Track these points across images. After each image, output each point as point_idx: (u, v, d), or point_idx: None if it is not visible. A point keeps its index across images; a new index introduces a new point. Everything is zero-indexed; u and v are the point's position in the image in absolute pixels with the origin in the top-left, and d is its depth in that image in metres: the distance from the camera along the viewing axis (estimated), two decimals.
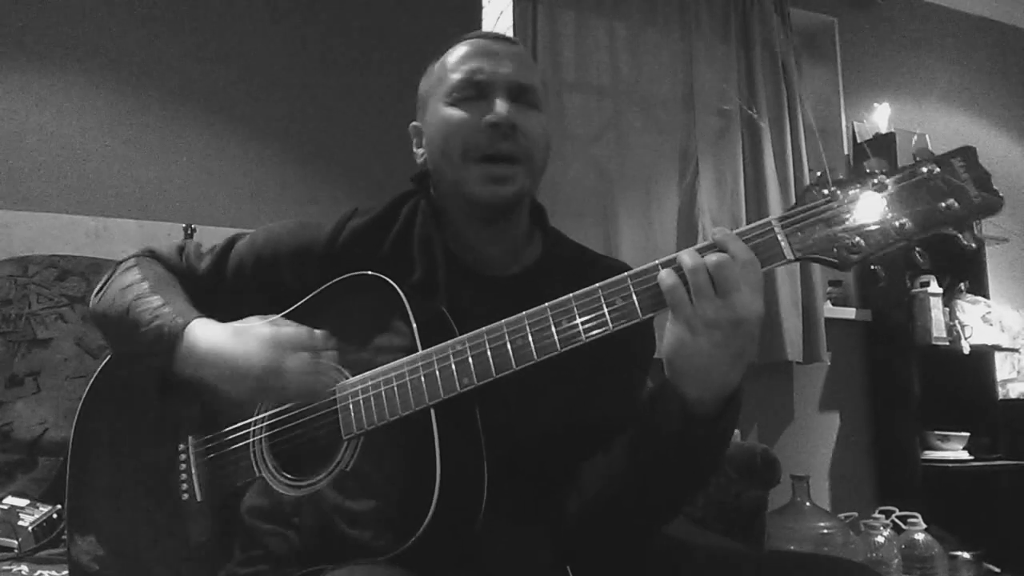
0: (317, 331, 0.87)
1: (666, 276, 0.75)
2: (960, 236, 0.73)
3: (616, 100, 2.84)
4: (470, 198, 0.95)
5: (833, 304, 3.11)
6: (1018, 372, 3.38)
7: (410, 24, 2.63)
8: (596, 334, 0.78)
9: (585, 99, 2.84)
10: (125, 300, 0.96)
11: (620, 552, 0.92)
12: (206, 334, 0.89)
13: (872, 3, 3.49)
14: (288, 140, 2.46)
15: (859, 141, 3.27)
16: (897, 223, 0.73)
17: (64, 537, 1.03)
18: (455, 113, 0.96)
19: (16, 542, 1.40)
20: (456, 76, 0.97)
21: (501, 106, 0.94)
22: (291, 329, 0.87)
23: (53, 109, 2.22)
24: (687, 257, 0.74)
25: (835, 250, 0.75)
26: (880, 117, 3.29)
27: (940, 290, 2.99)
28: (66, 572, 1.02)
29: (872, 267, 0.76)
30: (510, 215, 0.99)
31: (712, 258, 0.73)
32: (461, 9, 2.75)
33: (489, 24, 2.87)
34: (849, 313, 3.12)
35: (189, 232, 2.14)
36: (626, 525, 0.90)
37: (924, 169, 0.74)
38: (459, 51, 1.00)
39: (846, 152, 3.30)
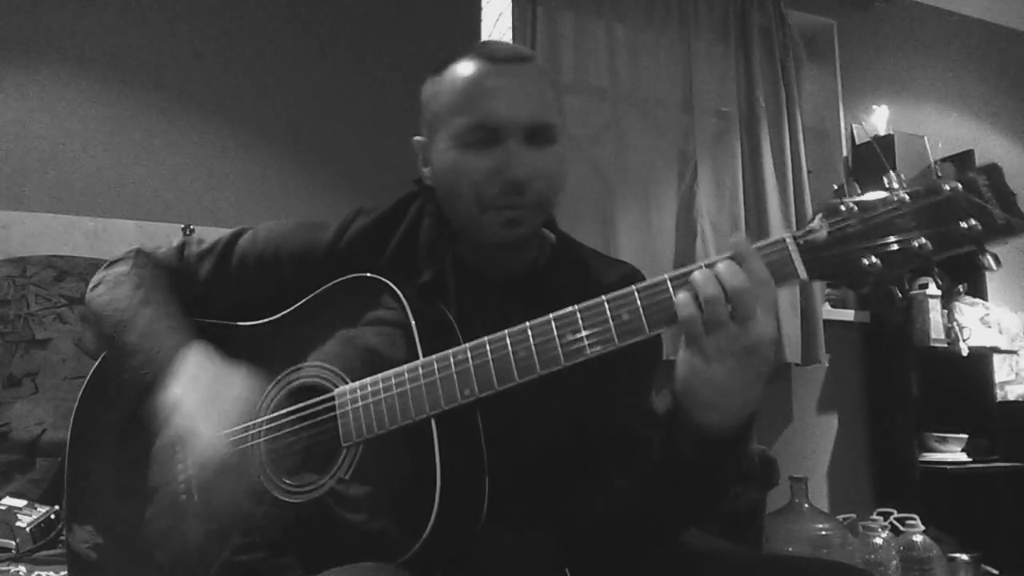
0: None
1: (684, 305, 0.71)
2: (981, 258, 0.70)
3: (615, 102, 2.84)
4: (484, 240, 0.93)
5: (832, 306, 3.11)
6: (1016, 374, 3.38)
7: (410, 25, 2.64)
8: (600, 349, 0.76)
9: (584, 101, 2.84)
10: (116, 311, 0.96)
11: (627, 561, 0.91)
12: (189, 370, 0.89)
13: (871, 5, 3.49)
14: (288, 141, 2.46)
15: (858, 143, 3.28)
16: (916, 243, 0.70)
17: (63, 538, 1.03)
18: (466, 160, 0.90)
19: (14, 543, 1.40)
20: (464, 117, 0.90)
21: (517, 160, 0.88)
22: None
23: (52, 109, 2.22)
24: (707, 287, 0.71)
25: (850, 271, 0.71)
26: (879, 119, 3.29)
27: (939, 292, 2.98)
28: (64, 573, 1.02)
29: (889, 288, 0.72)
30: (524, 246, 0.98)
31: (733, 284, 0.70)
32: (461, 11, 2.75)
33: (488, 26, 2.88)
34: (847, 315, 3.12)
35: (188, 233, 2.14)
36: (639, 541, 0.90)
37: (946, 187, 0.70)
38: (466, 76, 0.92)
39: (844, 154, 3.30)
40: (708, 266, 0.73)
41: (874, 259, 0.71)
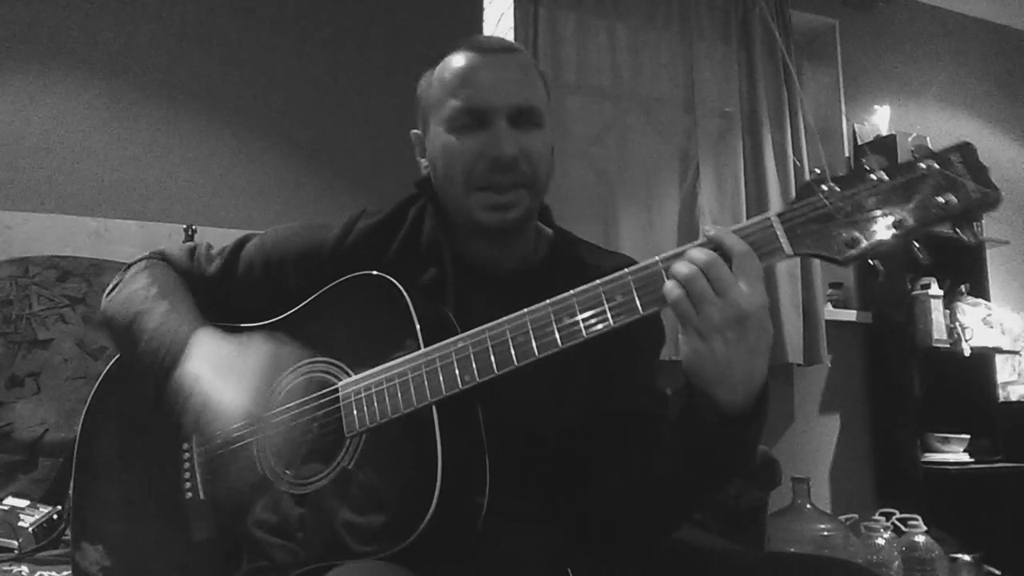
0: None
1: (671, 288, 0.75)
2: (959, 231, 0.73)
3: (617, 102, 2.85)
4: (475, 224, 0.96)
5: (834, 306, 3.11)
6: (1019, 374, 3.38)
7: (412, 25, 2.64)
8: (597, 331, 0.78)
9: (586, 100, 2.84)
10: (133, 305, 0.98)
11: (633, 550, 0.92)
12: (207, 347, 0.90)
13: (873, 5, 3.49)
14: (290, 141, 2.47)
15: (860, 143, 3.28)
16: (896, 218, 0.73)
17: (65, 537, 1.03)
18: (455, 142, 0.94)
19: (16, 543, 1.40)
20: (454, 102, 0.94)
21: (503, 138, 0.92)
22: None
23: (54, 110, 2.23)
24: (683, 267, 0.74)
25: (834, 246, 0.75)
26: (880, 119, 3.29)
27: (941, 292, 2.99)
28: (67, 573, 1.02)
29: (871, 262, 0.76)
30: (517, 233, 0.99)
31: (702, 258, 0.74)
32: (462, 11, 2.75)
33: (490, 27, 2.88)
34: (850, 315, 3.12)
35: (190, 233, 2.15)
36: (646, 526, 0.91)
37: (922, 165, 0.74)
38: (456, 67, 0.96)
39: (847, 154, 3.30)
40: (698, 246, 0.77)
41: (856, 234, 0.74)
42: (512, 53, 0.98)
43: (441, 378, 0.82)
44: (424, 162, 1.03)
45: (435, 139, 0.97)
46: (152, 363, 0.92)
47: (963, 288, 3.11)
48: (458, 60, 0.97)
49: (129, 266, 1.07)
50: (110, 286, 1.05)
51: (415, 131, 1.05)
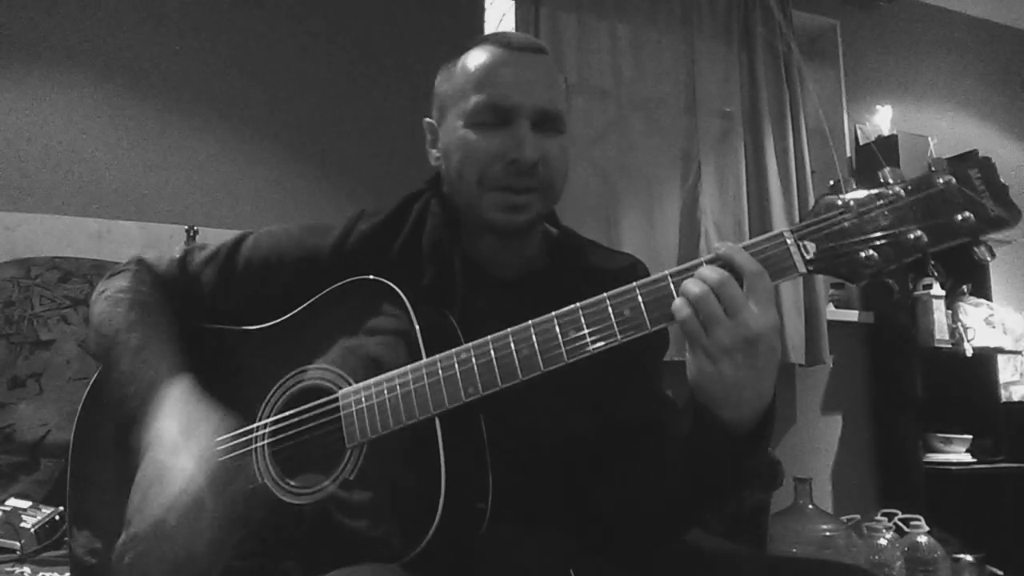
0: None
1: (680, 307, 0.73)
2: (976, 249, 0.71)
3: (618, 102, 2.84)
4: (484, 222, 0.94)
5: (836, 306, 3.10)
6: (1021, 375, 3.37)
7: (413, 26, 2.64)
8: (603, 346, 0.77)
9: (587, 101, 2.84)
10: (109, 334, 0.96)
11: (637, 555, 0.91)
12: (171, 406, 0.87)
13: (875, 5, 3.49)
14: (291, 142, 2.46)
15: (861, 143, 3.27)
16: (912, 235, 0.71)
17: (67, 538, 1.03)
18: (474, 139, 0.92)
19: (19, 544, 1.40)
20: (478, 98, 0.92)
21: (525, 142, 0.90)
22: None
23: (56, 111, 2.23)
24: (693, 286, 0.73)
25: (848, 264, 0.73)
26: (882, 119, 3.28)
27: (943, 292, 2.98)
28: (68, 574, 1.02)
29: (887, 281, 0.74)
30: (524, 235, 0.98)
31: (714, 277, 0.72)
32: (464, 11, 2.75)
33: (491, 27, 2.87)
34: (852, 315, 3.11)
35: (191, 234, 2.15)
36: (652, 533, 0.90)
37: (940, 180, 0.72)
38: (482, 60, 0.94)
39: (848, 154, 3.29)
40: (708, 262, 0.75)
41: (871, 252, 0.72)
42: (540, 54, 0.96)
43: (444, 390, 0.81)
44: (435, 152, 1.01)
45: (452, 132, 0.95)
46: (122, 401, 0.90)
47: (965, 288, 3.10)
48: (485, 54, 0.94)
49: (116, 273, 1.04)
50: (97, 289, 1.03)
51: (428, 119, 1.02)
